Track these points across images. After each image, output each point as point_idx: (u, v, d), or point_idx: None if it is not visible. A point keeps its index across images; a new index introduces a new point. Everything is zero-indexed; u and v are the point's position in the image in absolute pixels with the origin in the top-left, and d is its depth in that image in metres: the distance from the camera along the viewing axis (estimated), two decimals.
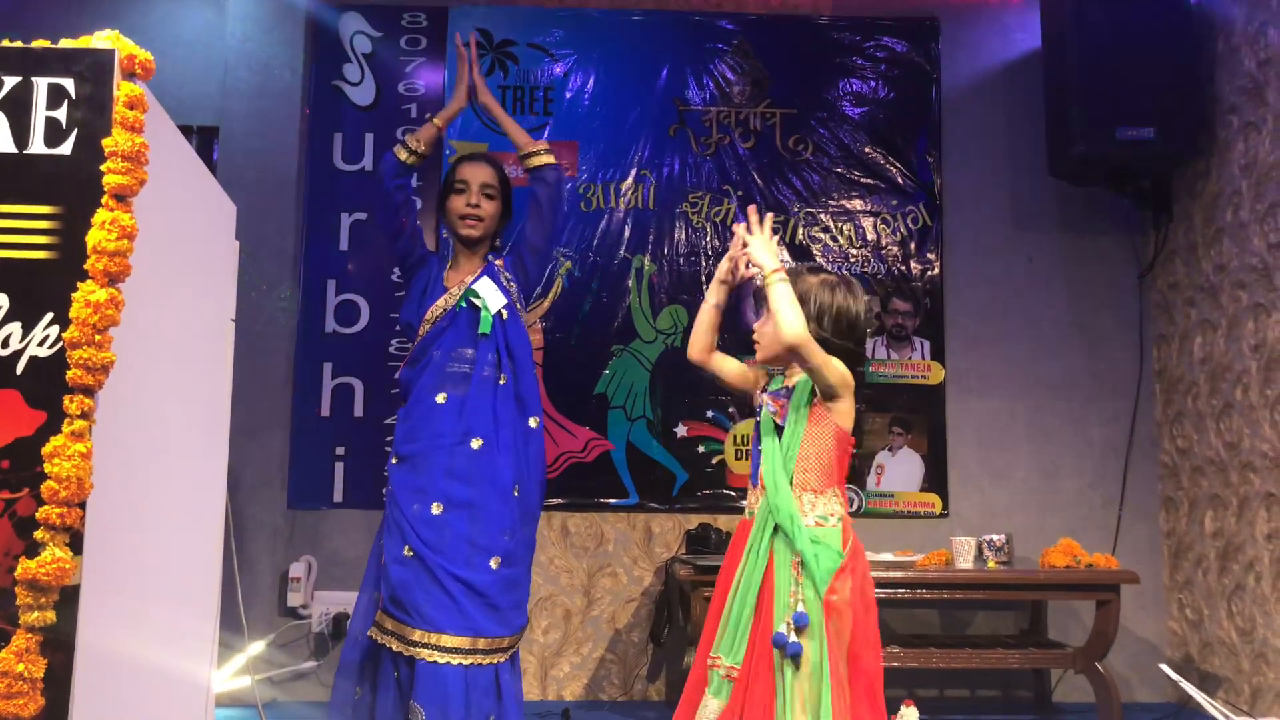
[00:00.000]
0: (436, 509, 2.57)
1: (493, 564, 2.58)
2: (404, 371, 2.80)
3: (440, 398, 2.68)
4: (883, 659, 2.15)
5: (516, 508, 2.67)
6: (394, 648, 2.52)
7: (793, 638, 2.02)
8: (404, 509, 2.57)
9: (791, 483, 2.11)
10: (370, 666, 2.62)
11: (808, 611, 2.03)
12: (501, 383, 2.75)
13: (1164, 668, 3.68)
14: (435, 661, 2.47)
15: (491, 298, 2.78)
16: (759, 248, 2.15)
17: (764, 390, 2.26)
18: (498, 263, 2.90)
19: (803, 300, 2.15)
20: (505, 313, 2.81)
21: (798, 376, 2.19)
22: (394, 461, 2.67)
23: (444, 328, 2.77)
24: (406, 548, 2.55)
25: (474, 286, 2.78)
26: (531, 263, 2.92)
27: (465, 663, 2.50)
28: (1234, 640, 3.86)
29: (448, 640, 2.49)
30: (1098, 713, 3.59)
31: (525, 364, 2.81)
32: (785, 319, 2.06)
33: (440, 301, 2.79)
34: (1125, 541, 4.27)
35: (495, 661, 2.58)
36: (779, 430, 2.16)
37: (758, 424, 2.23)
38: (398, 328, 2.87)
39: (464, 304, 2.78)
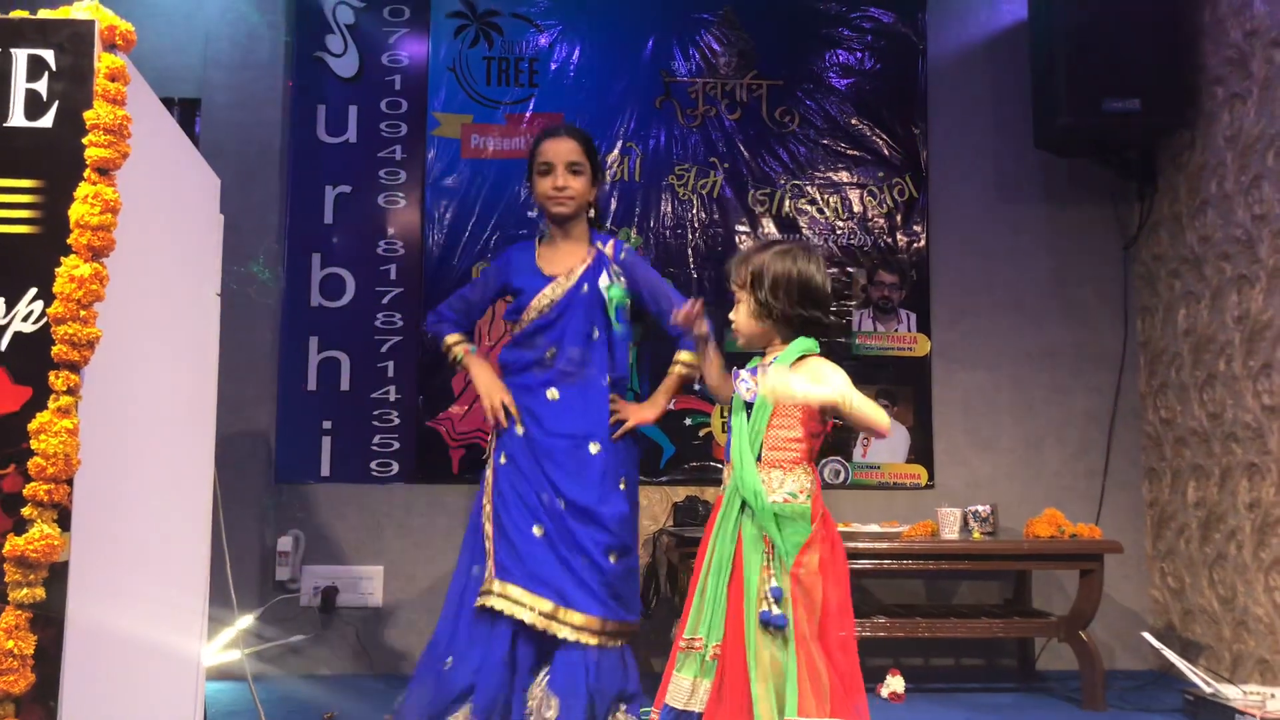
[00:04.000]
0: (561, 504, 2.64)
1: (611, 559, 2.65)
2: (506, 351, 2.85)
3: (552, 393, 2.71)
4: (855, 630, 2.16)
5: (626, 502, 2.75)
6: (526, 619, 2.55)
7: (775, 610, 2.04)
8: (529, 493, 2.64)
9: (760, 459, 2.13)
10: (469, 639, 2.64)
11: (781, 585, 2.05)
12: (605, 384, 2.80)
13: (1146, 636, 3.73)
14: (568, 639, 2.56)
15: (616, 289, 2.79)
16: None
17: (740, 370, 2.27)
18: (606, 249, 2.86)
19: (758, 276, 2.18)
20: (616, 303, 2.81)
21: (774, 355, 2.20)
22: (519, 431, 2.70)
23: (552, 320, 2.77)
24: (537, 527, 2.61)
25: (600, 283, 2.79)
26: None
27: (594, 642, 2.59)
28: (1215, 608, 3.91)
29: (579, 618, 2.58)
30: (1081, 680, 3.63)
31: (622, 359, 2.85)
32: (878, 422, 2.07)
33: (547, 291, 2.77)
34: (1109, 511, 4.31)
35: (621, 644, 2.69)
36: (749, 408, 2.17)
37: (731, 402, 2.25)
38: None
39: (579, 291, 2.77)
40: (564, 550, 2.61)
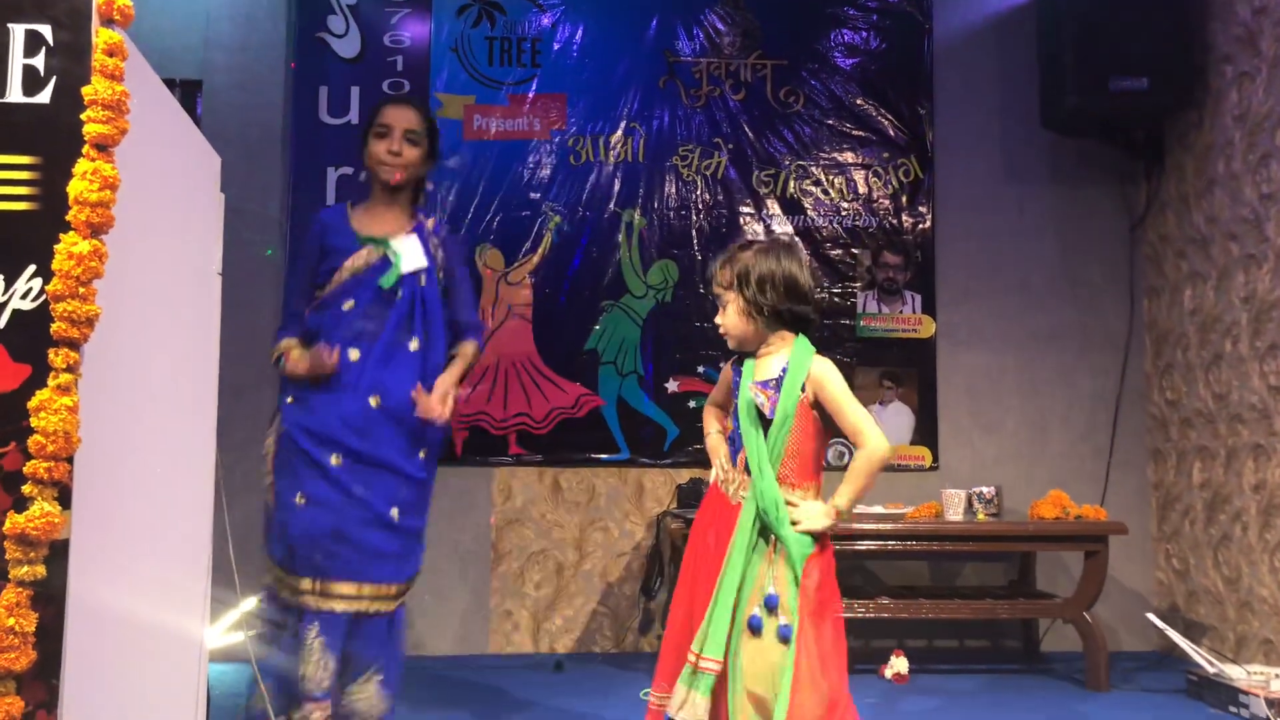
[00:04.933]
0: (335, 460, 2.52)
1: (392, 514, 2.55)
2: (310, 316, 2.69)
3: (353, 353, 2.59)
4: (842, 614, 2.15)
5: (415, 467, 2.64)
6: (286, 595, 2.51)
7: (782, 620, 2.03)
8: (302, 458, 2.53)
9: (779, 477, 2.12)
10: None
11: (779, 593, 2.05)
12: (412, 349, 2.66)
13: (1151, 616, 3.73)
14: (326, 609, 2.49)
15: (409, 256, 2.67)
16: (811, 517, 2.08)
17: (734, 368, 2.25)
18: (428, 223, 2.78)
19: (744, 275, 2.17)
20: (424, 278, 2.69)
21: (776, 360, 2.18)
22: (289, 401, 2.61)
23: (362, 281, 2.63)
24: (299, 495, 2.51)
25: (394, 243, 2.66)
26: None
27: (353, 609, 2.52)
28: (1220, 589, 3.90)
29: (343, 587, 2.50)
30: (1085, 661, 3.63)
31: (438, 329, 2.72)
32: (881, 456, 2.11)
33: (362, 254, 2.65)
34: (1114, 493, 4.30)
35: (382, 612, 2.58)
36: (764, 422, 2.15)
37: (737, 407, 2.20)
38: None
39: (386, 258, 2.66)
40: (329, 514, 2.51)
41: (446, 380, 2.65)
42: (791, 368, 2.15)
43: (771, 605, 2.04)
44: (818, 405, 2.14)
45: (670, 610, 2.24)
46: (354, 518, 2.49)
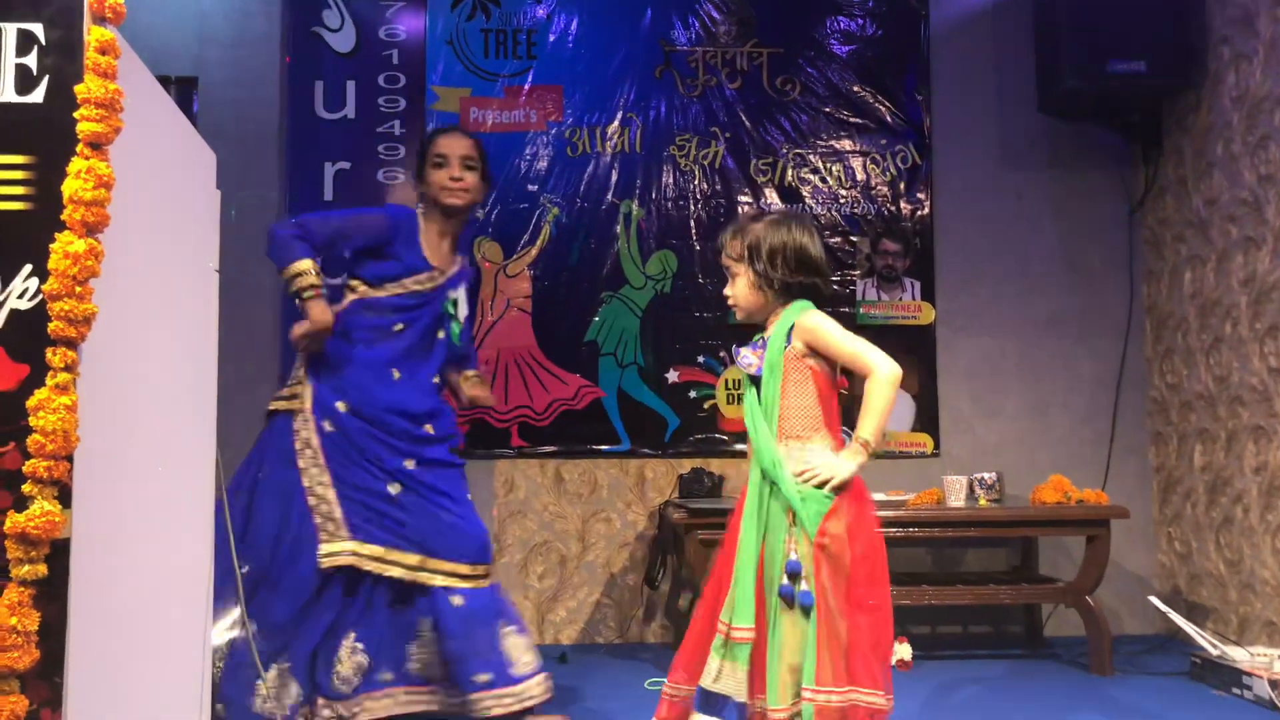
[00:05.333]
0: (394, 489, 2.70)
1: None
2: (356, 306, 2.76)
3: (395, 374, 2.76)
4: (889, 596, 2.14)
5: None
6: (395, 575, 2.66)
7: (801, 587, 2.03)
8: (378, 453, 2.69)
9: (778, 433, 2.12)
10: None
11: (799, 558, 2.04)
12: (436, 382, 2.88)
13: (1153, 600, 3.73)
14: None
15: (462, 308, 2.92)
16: (831, 467, 2.07)
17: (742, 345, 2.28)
18: (466, 264, 2.99)
19: (754, 247, 2.17)
20: (461, 323, 2.94)
21: (773, 327, 2.19)
22: (340, 408, 2.70)
23: (416, 305, 2.80)
24: (394, 485, 2.71)
25: (455, 295, 2.88)
26: None
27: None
28: (1222, 572, 3.91)
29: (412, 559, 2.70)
30: (1088, 645, 3.64)
31: (437, 365, 2.92)
32: (871, 361, 2.12)
33: (423, 278, 2.81)
34: (1115, 477, 4.30)
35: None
36: (756, 383, 2.16)
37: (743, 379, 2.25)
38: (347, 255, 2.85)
39: (448, 305, 2.87)
40: (426, 505, 2.71)
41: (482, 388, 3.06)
42: (779, 324, 2.17)
43: (793, 571, 2.03)
44: (816, 356, 2.13)
45: (698, 603, 2.24)
46: (427, 509, 2.70)
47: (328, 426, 2.70)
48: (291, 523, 2.66)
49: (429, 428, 2.77)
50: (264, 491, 2.71)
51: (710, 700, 2.05)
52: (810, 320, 2.14)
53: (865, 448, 2.08)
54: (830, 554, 2.05)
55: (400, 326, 2.77)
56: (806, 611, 2.02)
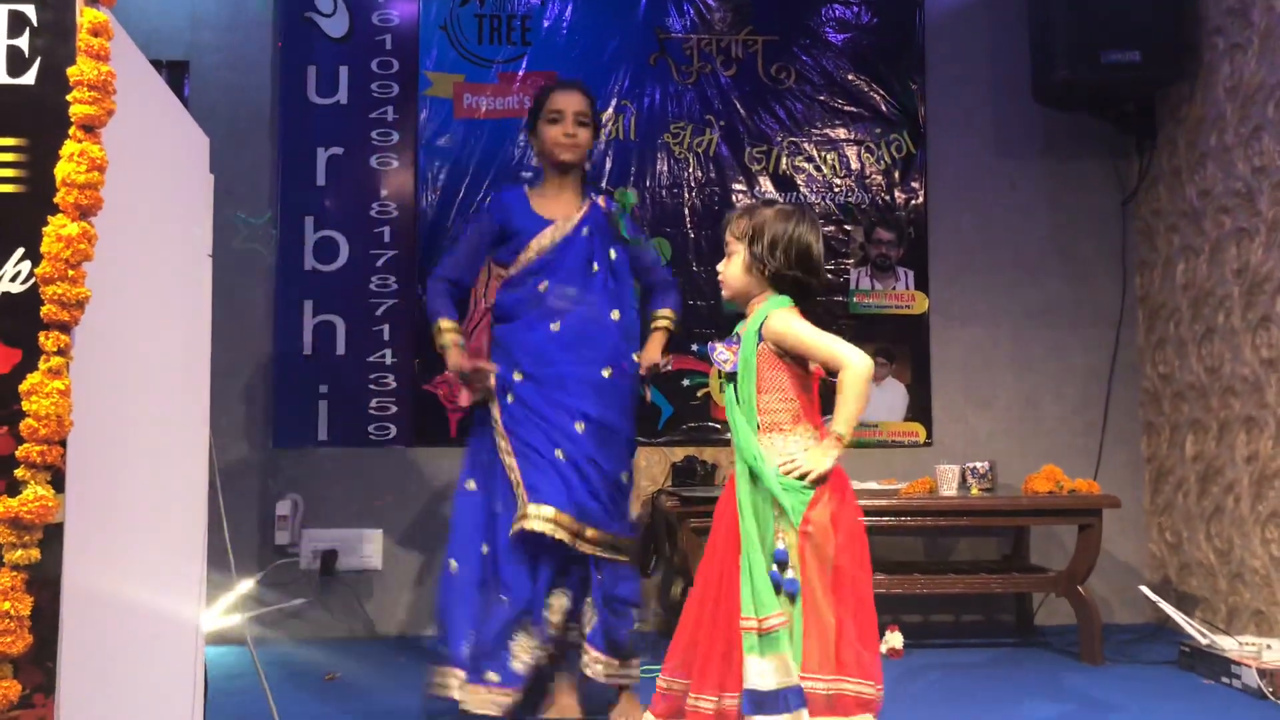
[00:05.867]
0: (580, 427, 2.72)
1: (624, 479, 2.85)
2: (500, 294, 2.92)
3: (554, 326, 2.79)
4: (872, 585, 2.16)
5: (634, 429, 2.91)
6: (557, 536, 2.65)
7: (788, 575, 2.04)
8: (548, 420, 2.73)
9: (759, 427, 2.13)
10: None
11: (786, 546, 2.05)
12: (615, 318, 2.86)
13: (1144, 589, 3.75)
14: (588, 553, 2.72)
15: (629, 193, 3.04)
16: (815, 460, 2.09)
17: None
18: (600, 201, 2.96)
19: (758, 231, 2.18)
20: (614, 251, 2.91)
21: (748, 320, 2.20)
22: (517, 378, 2.79)
23: (548, 261, 2.84)
24: (559, 450, 2.71)
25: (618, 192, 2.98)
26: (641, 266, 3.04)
27: (607, 556, 2.78)
28: (1212, 561, 3.93)
29: (593, 534, 2.72)
30: (1079, 634, 3.66)
31: (629, 294, 2.94)
32: (840, 354, 2.12)
33: (547, 233, 2.86)
34: (1107, 467, 4.32)
35: (627, 559, 2.86)
36: (732, 378, 2.17)
37: None
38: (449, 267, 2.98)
39: (579, 233, 2.87)
40: (583, 471, 2.71)
41: (651, 351, 2.91)
42: (752, 319, 2.18)
43: (780, 560, 2.05)
44: (789, 355, 2.15)
45: (688, 596, 2.23)
46: (596, 477, 2.73)
47: (509, 399, 2.79)
48: (498, 498, 2.78)
49: (608, 371, 2.77)
50: (471, 472, 2.88)
51: (767, 701, 1.98)
52: (778, 323, 2.15)
53: (840, 441, 2.11)
54: (815, 543, 2.06)
55: (544, 285, 2.82)
56: (792, 599, 2.03)
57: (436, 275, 2.94)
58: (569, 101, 2.90)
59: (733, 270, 2.22)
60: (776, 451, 2.12)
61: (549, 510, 2.65)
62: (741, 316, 2.27)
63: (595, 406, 2.74)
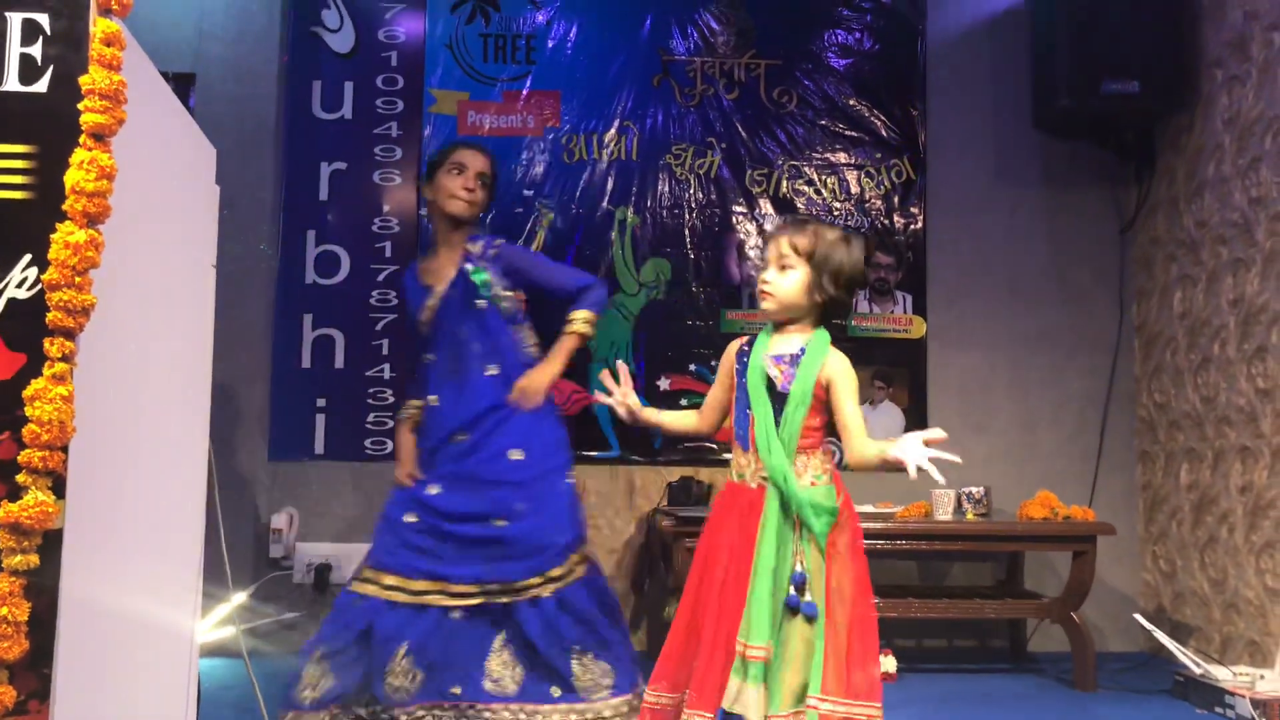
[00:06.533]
0: (433, 490, 2.76)
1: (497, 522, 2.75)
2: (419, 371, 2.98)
3: (432, 399, 2.85)
4: (875, 607, 2.15)
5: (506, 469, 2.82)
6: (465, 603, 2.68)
7: (806, 598, 2.03)
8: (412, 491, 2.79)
9: (794, 449, 2.10)
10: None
11: (806, 569, 2.04)
12: (492, 374, 2.84)
13: (1138, 617, 3.75)
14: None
15: (487, 277, 2.89)
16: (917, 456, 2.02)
17: (747, 347, 2.21)
18: (474, 249, 2.91)
19: (826, 258, 2.13)
20: (483, 303, 2.86)
21: (795, 339, 2.17)
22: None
23: (434, 328, 2.86)
24: (410, 515, 2.76)
25: (475, 277, 2.85)
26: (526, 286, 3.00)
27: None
28: (1206, 591, 3.93)
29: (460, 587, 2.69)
30: (1073, 661, 3.65)
31: (506, 346, 2.88)
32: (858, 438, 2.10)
33: (429, 303, 2.87)
34: (1102, 494, 4.32)
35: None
36: (777, 395, 2.13)
37: (744, 383, 2.18)
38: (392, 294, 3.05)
39: (452, 292, 2.85)
40: (440, 532, 2.73)
41: (536, 374, 2.84)
42: (811, 349, 2.13)
43: (799, 583, 2.03)
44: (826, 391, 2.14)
45: (678, 608, 2.21)
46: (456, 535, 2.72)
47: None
48: None
49: (462, 437, 2.78)
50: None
51: None
52: (846, 373, 2.13)
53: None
54: (839, 566, 2.06)
55: (430, 358, 2.87)
56: (811, 621, 2.03)
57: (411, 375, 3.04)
58: (473, 160, 2.90)
59: (793, 287, 2.15)
60: (801, 473, 2.11)
61: (389, 579, 2.70)
62: (733, 334, 2.25)
63: (451, 468, 2.77)
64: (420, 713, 2.68)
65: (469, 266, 2.83)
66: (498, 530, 2.72)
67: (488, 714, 2.69)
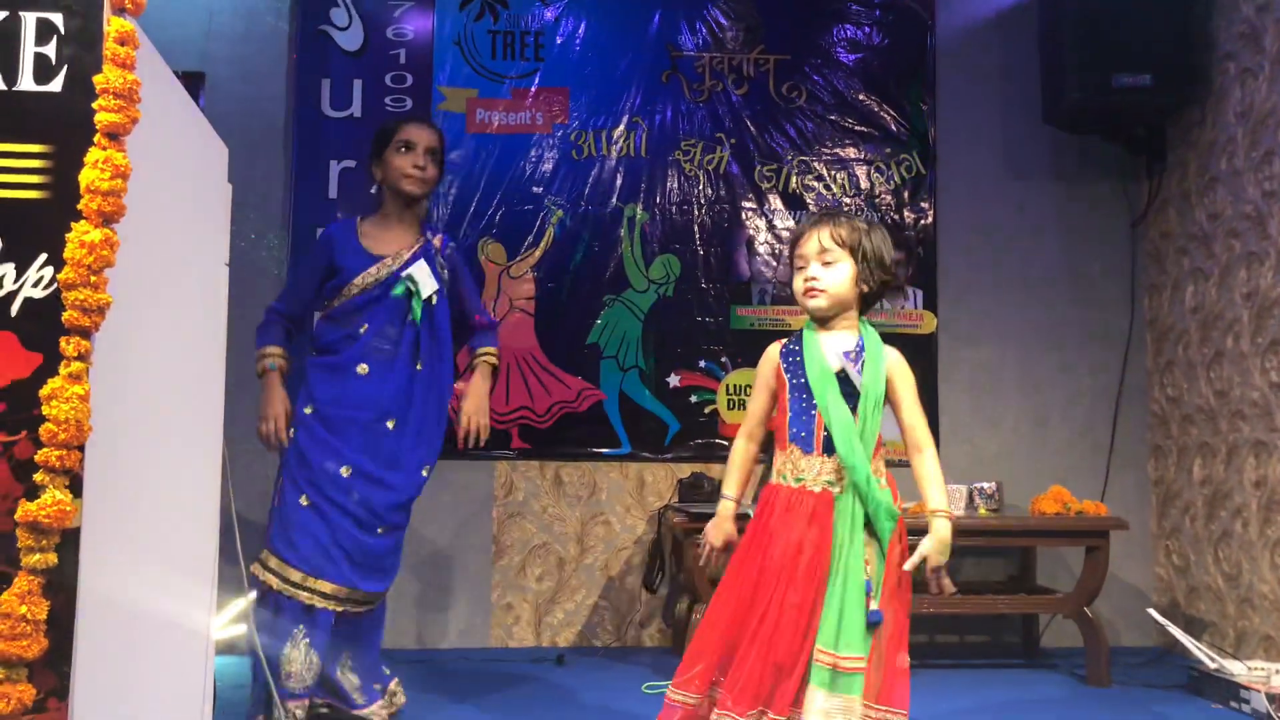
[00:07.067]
0: (345, 472, 2.70)
1: (379, 531, 2.76)
2: (320, 325, 2.87)
3: (362, 368, 2.76)
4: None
5: (415, 486, 2.84)
6: (274, 587, 2.67)
7: (872, 605, 2.02)
8: (315, 463, 2.69)
9: (869, 450, 2.09)
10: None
11: (872, 575, 2.04)
12: (419, 369, 2.83)
13: (1152, 612, 3.74)
14: (314, 605, 2.68)
15: (425, 283, 2.83)
16: (940, 546, 2.08)
17: (795, 346, 2.16)
18: (435, 241, 2.92)
19: (870, 249, 2.14)
20: (435, 298, 2.84)
21: (848, 336, 2.15)
22: (307, 411, 2.74)
23: (374, 298, 2.79)
24: (304, 497, 2.69)
25: (411, 271, 2.81)
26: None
27: (338, 609, 2.72)
28: (1220, 585, 3.91)
29: (326, 587, 2.69)
30: (1086, 656, 3.64)
31: (446, 348, 2.90)
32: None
33: (373, 270, 2.80)
34: (1114, 489, 4.31)
35: (364, 611, 2.80)
36: (851, 392, 2.09)
37: (802, 383, 2.12)
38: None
39: (399, 288, 2.80)
40: (331, 520, 2.69)
41: (476, 398, 2.94)
42: (871, 347, 2.12)
43: (867, 592, 2.02)
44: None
45: (712, 609, 2.14)
46: (349, 526, 2.70)
47: (291, 433, 2.76)
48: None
49: (391, 423, 2.76)
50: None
51: None
52: (900, 361, 2.15)
53: (950, 516, 2.11)
54: (900, 574, 2.07)
55: (364, 328, 2.78)
56: (874, 629, 2.01)
57: (271, 308, 2.90)
58: (421, 135, 2.86)
59: (844, 282, 2.13)
60: (876, 477, 2.10)
61: (274, 561, 2.69)
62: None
63: (367, 458, 2.72)
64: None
65: (421, 274, 2.80)
66: (378, 538, 2.76)
67: None
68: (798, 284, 2.17)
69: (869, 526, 2.06)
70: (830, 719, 1.96)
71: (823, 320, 2.17)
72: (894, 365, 2.14)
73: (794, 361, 2.15)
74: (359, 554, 2.71)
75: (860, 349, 2.13)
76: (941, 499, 2.10)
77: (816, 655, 1.98)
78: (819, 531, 2.05)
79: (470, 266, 3.61)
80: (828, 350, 2.13)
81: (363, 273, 2.79)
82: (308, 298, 2.90)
